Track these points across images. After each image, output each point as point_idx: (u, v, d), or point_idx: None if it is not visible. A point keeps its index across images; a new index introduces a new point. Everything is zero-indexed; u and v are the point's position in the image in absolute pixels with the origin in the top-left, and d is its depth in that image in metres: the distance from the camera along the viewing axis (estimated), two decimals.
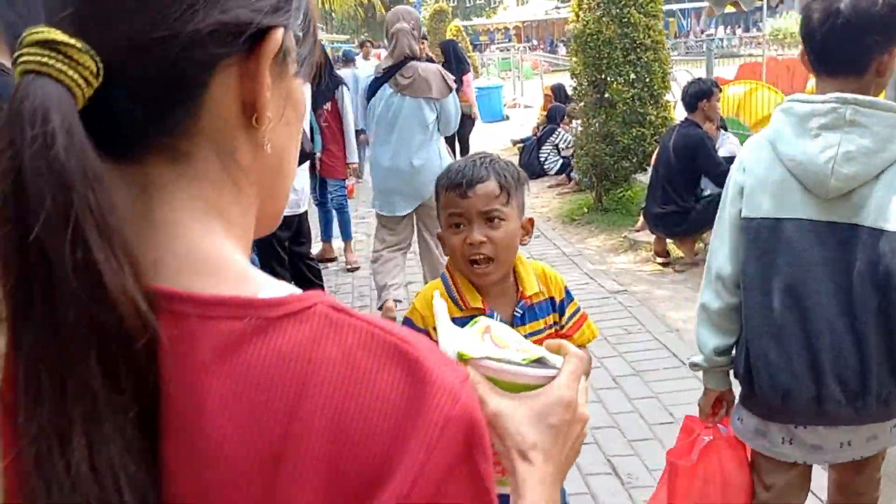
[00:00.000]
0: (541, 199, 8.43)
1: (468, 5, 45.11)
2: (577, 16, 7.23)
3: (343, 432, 0.46)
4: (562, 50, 32.41)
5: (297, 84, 0.58)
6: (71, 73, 0.46)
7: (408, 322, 1.66)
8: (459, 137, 9.07)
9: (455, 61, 8.70)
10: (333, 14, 27.28)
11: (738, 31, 28.30)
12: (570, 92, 8.36)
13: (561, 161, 9.32)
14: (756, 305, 1.84)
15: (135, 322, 0.45)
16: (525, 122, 13.38)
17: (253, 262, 0.56)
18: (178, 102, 0.50)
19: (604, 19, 6.93)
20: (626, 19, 6.89)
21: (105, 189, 0.45)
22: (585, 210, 7.60)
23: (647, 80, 7.01)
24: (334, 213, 6.33)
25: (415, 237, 4.69)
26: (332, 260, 6.45)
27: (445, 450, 0.47)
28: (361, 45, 12.77)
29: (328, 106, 5.76)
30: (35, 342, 0.44)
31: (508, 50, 22.96)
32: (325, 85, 5.60)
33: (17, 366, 0.45)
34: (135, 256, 0.46)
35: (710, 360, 1.99)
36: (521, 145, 10.31)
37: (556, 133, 9.42)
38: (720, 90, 5.73)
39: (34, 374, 0.44)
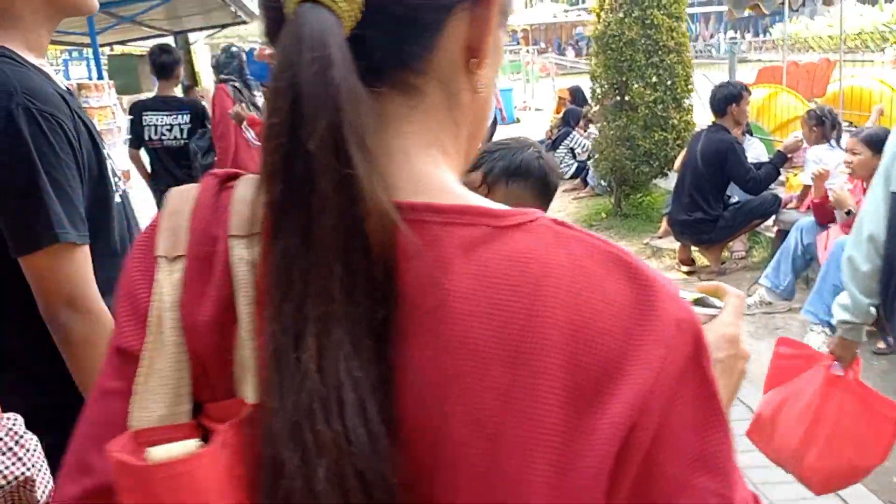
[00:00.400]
0: (557, 203, 8.23)
1: None
2: (599, 17, 7.05)
3: (579, 329, 0.48)
4: (570, 53, 32.30)
5: (502, 34, 0.61)
6: (343, 4, 0.50)
7: None
8: None
9: None
10: None
11: (748, 37, 28.18)
12: (588, 95, 8.20)
13: (576, 165, 9.15)
14: (889, 270, 2.00)
15: (383, 233, 0.48)
16: (537, 125, 13.24)
17: None
18: (418, 41, 0.54)
19: (626, 21, 6.75)
20: (648, 21, 6.71)
21: (366, 112, 0.49)
22: (604, 215, 7.44)
23: (670, 82, 6.84)
24: None
25: None
26: None
27: (680, 349, 0.50)
28: None
29: None
30: (288, 247, 0.48)
31: (517, 53, 22.80)
32: None
33: (269, 268, 0.49)
34: (384, 174, 0.49)
35: (864, 316, 2.11)
36: None
37: (571, 136, 9.25)
38: (749, 93, 5.56)
39: (283, 276, 0.48)
